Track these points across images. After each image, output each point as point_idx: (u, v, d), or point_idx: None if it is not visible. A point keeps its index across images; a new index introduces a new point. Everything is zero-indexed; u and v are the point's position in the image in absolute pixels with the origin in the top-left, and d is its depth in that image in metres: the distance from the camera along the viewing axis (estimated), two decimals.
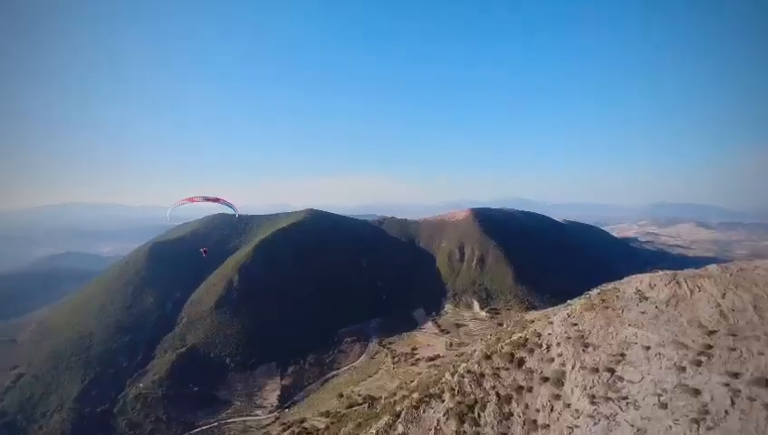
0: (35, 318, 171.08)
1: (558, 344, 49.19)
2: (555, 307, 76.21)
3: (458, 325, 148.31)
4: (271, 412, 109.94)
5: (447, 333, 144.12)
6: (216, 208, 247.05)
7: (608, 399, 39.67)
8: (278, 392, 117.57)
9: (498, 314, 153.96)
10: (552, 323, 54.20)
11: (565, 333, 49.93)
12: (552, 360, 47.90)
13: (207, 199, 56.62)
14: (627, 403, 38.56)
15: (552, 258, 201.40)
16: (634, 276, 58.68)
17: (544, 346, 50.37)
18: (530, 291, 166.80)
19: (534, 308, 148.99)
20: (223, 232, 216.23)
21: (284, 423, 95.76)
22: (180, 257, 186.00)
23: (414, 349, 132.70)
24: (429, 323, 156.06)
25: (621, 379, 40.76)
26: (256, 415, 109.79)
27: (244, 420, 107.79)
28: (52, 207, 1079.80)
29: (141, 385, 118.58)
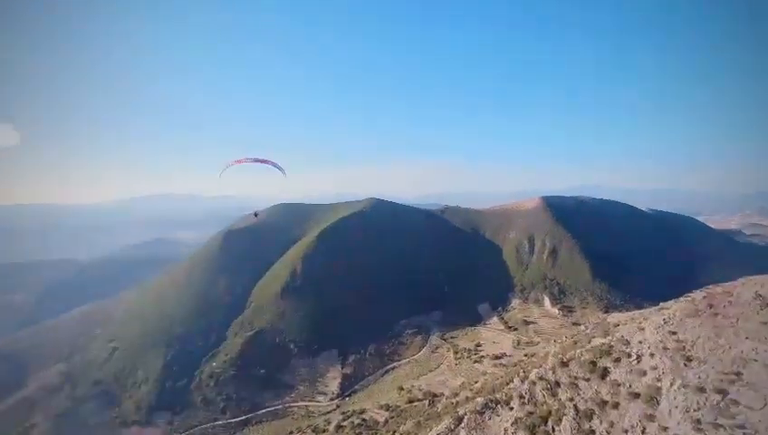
0: (128, 298, 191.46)
1: (652, 355, 41.94)
2: (645, 310, 66.52)
3: (527, 322, 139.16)
4: (332, 400, 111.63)
5: (515, 330, 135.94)
6: (280, 199, 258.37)
7: (717, 426, 32.56)
8: (339, 380, 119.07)
9: (572, 312, 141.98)
10: (643, 329, 46.67)
11: (661, 342, 42.46)
12: (645, 373, 40.86)
13: (256, 160, 58.47)
14: (744, 433, 31.37)
15: (636, 252, 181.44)
16: (751, 278, 48.75)
17: (634, 356, 43.31)
18: (610, 289, 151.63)
19: (616, 309, 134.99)
20: (288, 220, 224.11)
21: (345, 412, 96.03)
22: (250, 245, 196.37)
23: (478, 345, 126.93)
24: (495, 319, 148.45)
25: (736, 403, 33.27)
26: (318, 401, 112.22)
27: (307, 405, 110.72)
28: (141, 199, 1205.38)
29: (214, 364, 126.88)
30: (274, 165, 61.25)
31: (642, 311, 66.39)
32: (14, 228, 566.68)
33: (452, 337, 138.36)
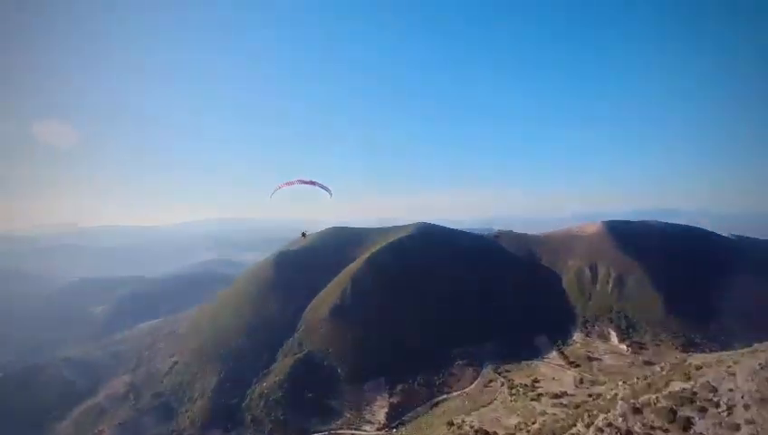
0: (191, 314, 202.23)
1: (746, 407, 35.81)
2: (733, 352, 57.67)
3: (590, 359, 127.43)
4: (379, 430, 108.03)
5: (577, 366, 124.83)
6: (331, 222, 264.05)
7: None
8: (386, 410, 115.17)
9: (644, 349, 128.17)
10: (734, 374, 40.23)
11: (758, 391, 36.27)
12: (738, 428, 34.83)
13: (303, 182, 60.36)
14: None
15: (716, 284, 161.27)
16: None
17: (723, 407, 37.20)
18: (686, 324, 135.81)
19: (696, 347, 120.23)
20: (339, 244, 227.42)
21: None
22: (302, 267, 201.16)
23: (535, 381, 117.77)
24: (554, 353, 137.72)
25: None
26: (365, 430, 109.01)
27: (353, 434, 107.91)
28: (208, 221, 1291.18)
29: (264, 385, 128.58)
30: (321, 186, 62.84)
31: (730, 353, 57.74)
32: (92, 247, 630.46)
33: (506, 371, 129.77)
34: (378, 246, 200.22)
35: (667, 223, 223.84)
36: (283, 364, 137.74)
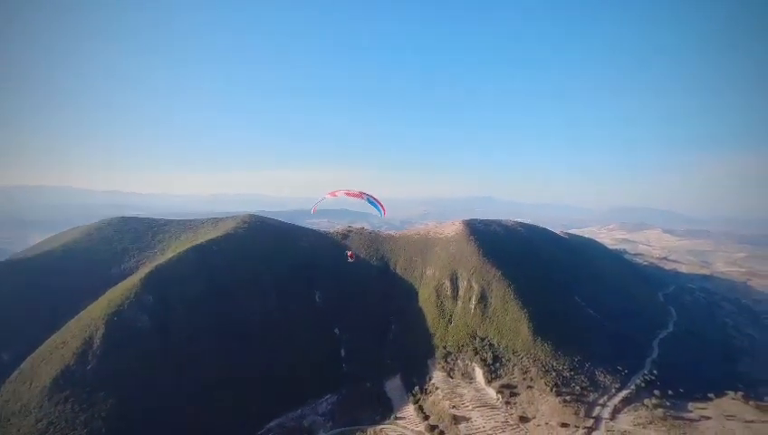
0: None
1: None
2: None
3: (456, 418, 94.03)
4: None
5: (441, 434, 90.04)
6: (122, 208, 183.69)
7: None
8: None
9: (516, 395, 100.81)
10: None
11: None
12: None
13: (349, 194, 53.21)
14: None
15: (570, 295, 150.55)
16: None
17: None
18: (553, 350, 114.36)
19: (568, 387, 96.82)
20: (117, 247, 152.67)
21: None
22: (37, 286, 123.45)
23: None
24: (410, 408, 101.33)
25: None
26: None
27: None
28: (27, 189, 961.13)
29: None
30: (371, 199, 54.57)
31: None
32: None
33: None
34: (172, 253, 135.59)
35: (516, 221, 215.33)
36: None
